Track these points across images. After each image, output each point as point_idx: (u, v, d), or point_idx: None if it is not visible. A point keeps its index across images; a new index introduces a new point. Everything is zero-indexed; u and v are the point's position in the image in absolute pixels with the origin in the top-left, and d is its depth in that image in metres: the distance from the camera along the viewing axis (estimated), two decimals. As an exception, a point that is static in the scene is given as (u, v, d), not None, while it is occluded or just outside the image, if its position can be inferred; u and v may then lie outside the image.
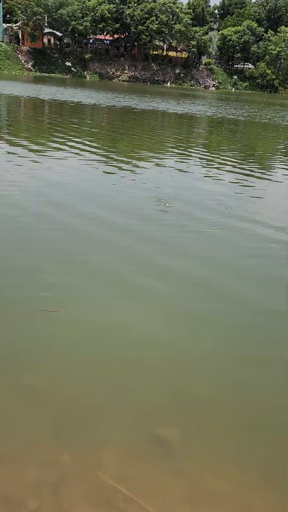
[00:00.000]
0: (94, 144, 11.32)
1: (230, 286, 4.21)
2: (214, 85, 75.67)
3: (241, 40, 73.38)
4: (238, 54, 76.83)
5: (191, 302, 3.94)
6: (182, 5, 73.13)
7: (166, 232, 5.43)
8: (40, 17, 66.69)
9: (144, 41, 71.37)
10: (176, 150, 11.42)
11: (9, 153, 9.42)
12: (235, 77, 77.92)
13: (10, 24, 72.62)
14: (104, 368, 2.98)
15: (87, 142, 11.36)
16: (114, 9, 69.18)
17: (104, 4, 68.83)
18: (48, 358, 3.03)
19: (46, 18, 68.04)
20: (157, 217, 5.93)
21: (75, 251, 4.71)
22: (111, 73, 74.47)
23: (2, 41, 67.21)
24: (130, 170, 8.73)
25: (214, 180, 8.55)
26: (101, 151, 10.47)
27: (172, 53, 79.44)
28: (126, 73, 74.56)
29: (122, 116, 19.36)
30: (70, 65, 71.76)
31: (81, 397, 2.71)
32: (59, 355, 3.07)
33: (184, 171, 9.06)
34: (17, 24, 71.64)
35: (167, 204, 6.52)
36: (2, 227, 5.28)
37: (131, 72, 74.89)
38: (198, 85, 75.37)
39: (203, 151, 11.74)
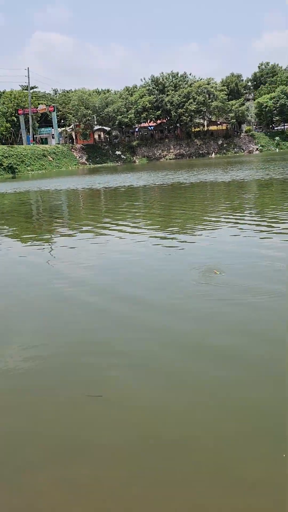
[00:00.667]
0: (148, 222, 11.86)
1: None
2: (257, 149, 77.44)
3: (278, 104, 75.81)
4: (277, 117, 79.00)
5: (247, 390, 3.61)
6: (216, 84, 78.13)
7: (215, 306, 5.32)
8: (89, 118, 74.17)
9: (185, 121, 76.12)
10: (228, 217, 11.60)
11: (69, 236, 10.13)
12: (277, 138, 79.50)
13: (64, 128, 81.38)
14: (152, 455, 2.86)
15: (141, 221, 11.95)
16: (154, 99, 75.33)
17: (145, 96, 75.34)
18: (93, 446, 2.98)
19: (95, 118, 75.48)
20: (206, 289, 5.89)
21: (115, 335, 4.76)
22: (158, 154, 79.19)
23: (58, 143, 74.87)
24: (183, 241, 8.96)
25: (270, 244, 8.48)
26: (155, 227, 10.92)
27: (212, 127, 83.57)
28: (172, 152, 78.92)
29: (172, 193, 20.26)
30: (120, 153, 77.66)
31: (129, 486, 2.61)
32: (105, 442, 3.01)
33: (238, 238, 9.10)
34: (70, 126, 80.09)
35: (216, 272, 6.50)
36: (44, 304, 5.54)
37: (176, 150, 79.18)
38: (242, 151, 77.51)
39: (256, 216, 11.81)
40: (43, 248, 9.67)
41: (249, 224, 10.43)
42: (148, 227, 11.20)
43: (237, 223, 10.61)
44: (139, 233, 10.43)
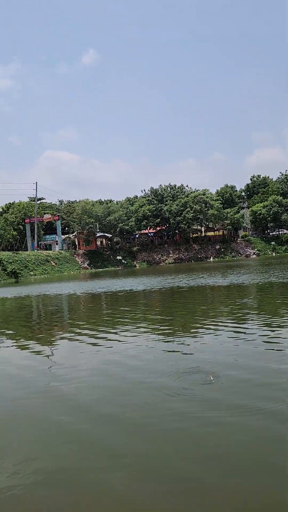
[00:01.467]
0: (147, 325, 11.67)
1: None
2: (254, 253, 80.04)
3: (271, 212, 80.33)
4: (271, 224, 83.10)
5: None
6: (211, 194, 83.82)
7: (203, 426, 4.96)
8: (92, 226, 78.06)
9: (183, 228, 79.91)
10: (229, 322, 11.44)
11: (69, 339, 9.87)
12: (273, 243, 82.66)
13: (68, 235, 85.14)
14: None
15: (140, 325, 11.77)
16: (154, 208, 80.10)
17: (144, 206, 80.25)
18: None
19: (97, 225, 79.44)
20: (196, 397, 5.59)
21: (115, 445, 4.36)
22: (157, 258, 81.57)
23: (62, 249, 77.59)
24: (182, 344, 8.69)
25: (273, 348, 8.21)
26: (154, 331, 10.71)
27: (210, 233, 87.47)
28: (171, 256, 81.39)
29: (172, 297, 20.33)
30: (121, 258, 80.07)
31: None
32: None
33: (238, 343, 8.86)
34: (74, 233, 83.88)
35: (211, 378, 6.27)
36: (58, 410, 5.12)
37: (176, 254, 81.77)
38: (239, 255, 79.98)
39: (258, 318, 11.66)
40: (42, 352, 9.46)
41: (250, 329, 10.23)
42: (147, 330, 11.00)
43: (238, 328, 10.42)
44: (137, 336, 10.28)
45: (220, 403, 5.52)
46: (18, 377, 7.67)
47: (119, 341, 10.00)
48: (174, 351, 8.61)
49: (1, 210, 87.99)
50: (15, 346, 10.73)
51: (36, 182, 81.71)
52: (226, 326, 10.87)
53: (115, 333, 11.08)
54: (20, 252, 65.59)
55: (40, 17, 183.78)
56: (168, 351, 8.67)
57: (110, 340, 10.24)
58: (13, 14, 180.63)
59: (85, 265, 74.77)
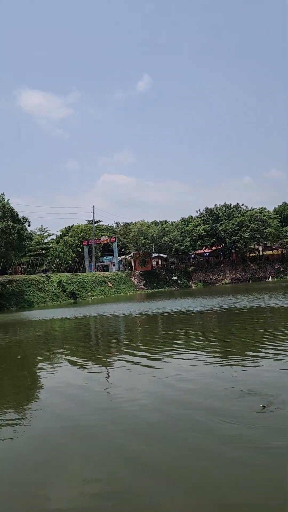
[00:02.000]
0: (204, 347, 11.50)
1: None
2: None
3: None
4: None
5: None
6: (269, 212, 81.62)
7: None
8: (147, 246, 78.96)
9: (239, 247, 78.41)
10: (291, 346, 10.97)
11: (126, 361, 10.01)
12: None
13: (124, 256, 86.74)
14: None
15: (197, 346, 11.63)
16: (209, 227, 79.55)
17: (199, 226, 79.96)
18: None
19: (153, 246, 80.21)
20: (252, 424, 5.35)
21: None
22: (213, 279, 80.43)
23: (118, 270, 79.06)
24: (239, 367, 8.46)
25: None
26: (211, 353, 10.54)
27: (268, 252, 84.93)
28: (228, 276, 79.85)
29: (230, 318, 19.91)
30: (176, 278, 79.89)
31: None
32: None
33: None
34: (130, 255, 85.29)
35: (266, 405, 6.03)
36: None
37: (232, 274, 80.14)
38: (301, 275, 76.46)
39: None
40: (99, 373, 9.70)
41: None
42: (203, 353, 10.85)
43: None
44: (193, 359, 10.19)
45: (279, 431, 5.31)
46: (77, 398, 7.88)
47: (175, 363, 9.98)
48: (231, 375, 8.42)
49: (61, 233, 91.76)
50: (74, 366, 11.03)
51: (94, 206, 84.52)
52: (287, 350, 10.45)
53: (171, 355, 11.04)
54: (78, 273, 67.69)
55: (98, 46, 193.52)
56: (224, 375, 8.49)
57: (166, 362, 10.23)
58: (74, 46, 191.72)
59: (141, 286, 75.44)
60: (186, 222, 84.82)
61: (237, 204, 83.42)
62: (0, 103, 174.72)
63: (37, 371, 10.97)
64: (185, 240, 79.47)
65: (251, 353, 10.53)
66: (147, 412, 6.58)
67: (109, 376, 9.50)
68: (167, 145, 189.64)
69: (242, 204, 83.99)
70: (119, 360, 11.30)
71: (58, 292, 56.05)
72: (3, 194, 49.79)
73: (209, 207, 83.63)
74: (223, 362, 9.77)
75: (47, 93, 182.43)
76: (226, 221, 79.56)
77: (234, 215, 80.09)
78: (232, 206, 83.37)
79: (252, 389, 7.16)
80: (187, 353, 11.07)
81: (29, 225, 51.16)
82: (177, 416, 6.31)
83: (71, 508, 4.03)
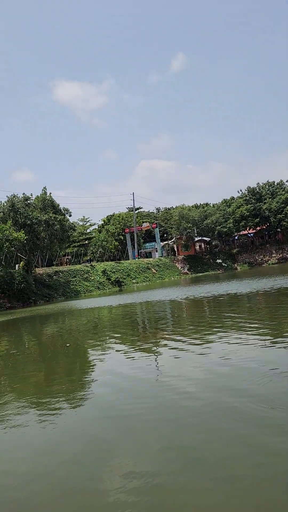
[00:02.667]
0: (253, 331, 11.05)
1: None
2: None
3: None
4: None
5: None
6: (315, 187, 77.87)
7: None
8: (189, 230, 78.06)
9: (285, 226, 75.61)
10: None
11: (174, 348, 9.77)
12: None
13: (166, 242, 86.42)
14: None
15: (245, 330, 11.19)
16: (252, 207, 77.24)
17: (242, 206, 77.84)
18: None
19: (195, 230, 79.20)
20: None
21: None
22: (259, 260, 78.40)
23: (161, 256, 78.96)
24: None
25: None
26: (260, 336, 10.09)
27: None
28: (274, 256, 77.50)
29: (280, 298, 19.16)
30: (221, 261, 78.65)
31: None
32: None
33: None
34: (172, 240, 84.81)
35: None
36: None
37: (279, 254, 77.66)
38: None
39: None
40: (146, 359, 9.57)
41: None
42: (252, 336, 10.41)
43: None
44: (241, 344, 9.78)
45: None
46: (123, 386, 7.78)
47: (222, 349, 9.62)
48: (280, 361, 7.97)
49: (103, 222, 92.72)
50: (120, 353, 10.97)
51: (133, 193, 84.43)
52: None
53: (219, 340, 10.69)
54: (122, 261, 68.23)
55: (127, 29, 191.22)
56: (274, 360, 8.05)
57: (213, 348, 9.89)
58: (103, 31, 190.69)
59: (185, 271, 74.92)
60: (228, 204, 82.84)
61: (281, 181, 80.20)
62: (36, 96, 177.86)
63: (85, 359, 11.03)
64: (228, 221, 77.75)
65: (305, 335, 9.98)
66: (194, 401, 6.32)
67: (155, 363, 9.34)
68: (204, 125, 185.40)
69: (286, 181, 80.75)
70: (165, 346, 11.11)
71: (103, 281, 56.82)
72: (45, 187, 50.80)
73: (251, 186, 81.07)
74: (273, 346, 9.30)
75: (82, 82, 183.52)
76: (270, 199, 76.79)
77: (278, 193, 77.11)
78: (275, 183, 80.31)
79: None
80: (235, 337, 10.68)
81: (70, 216, 51.97)
82: (224, 405, 6.00)
83: (116, 499, 3.86)
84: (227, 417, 5.52)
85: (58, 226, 47.61)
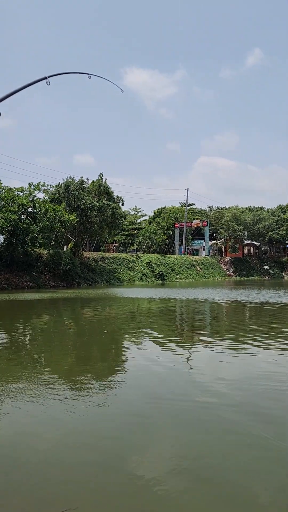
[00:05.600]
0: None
1: None
2: None
3: None
4: None
5: None
6: None
7: None
8: (240, 233, 76.48)
9: None
10: None
11: (210, 347, 9.64)
12: None
13: (215, 241, 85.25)
14: None
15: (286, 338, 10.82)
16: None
17: (298, 214, 74.88)
18: None
19: (245, 233, 77.47)
20: None
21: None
22: (310, 271, 75.48)
23: (208, 255, 78.07)
24: None
25: None
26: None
27: None
28: None
29: None
30: (268, 268, 76.57)
31: None
32: None
33: None
34: (221, 240, 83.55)
35: None
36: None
37: None
38: None
39: None
40: (182, 355, 9.56)
41: None
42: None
43: None
44: (282, 348, 9.49)
45: None
46: (160, 376, 7.81)
47: (259, 353, 9.45)
48: None
49: (154, 214, 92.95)
50: (157, 345, 10.97)
51: (188, 188, 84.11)
52: None
53: (257, 345, 10.48)
54: (168, 255, 68.18)
55: (204, 19, 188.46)
56: None
57: (250, 352, 9.68)
58: (176, 19, 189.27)
59: (230, 273, 73.63)
60: (284, 210, 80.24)
61: None
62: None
63: (121, 346, 11.13)
64: (281, 228, 75.38)
65: None
66: (228, 399, 6.19)
67: (192, 359, 9.28)
68: (274, 125, 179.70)
69: None
70: (201, 343, 11.10)
71: (147, 272, 57.13)
72: (101, 173, 51.61)
73: (310, 195, 77.82)
74: None
75: (153, 71, 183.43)
76: None
77: None
78: None
79: None
80: (274, 345, 10.35)
81: (123, 204, 52.51)
82: (263, 407, 5.83)
83: (155, 485, 3.86)
84: (266, 418, 5.35)
85: (110, 213, 48.29)
